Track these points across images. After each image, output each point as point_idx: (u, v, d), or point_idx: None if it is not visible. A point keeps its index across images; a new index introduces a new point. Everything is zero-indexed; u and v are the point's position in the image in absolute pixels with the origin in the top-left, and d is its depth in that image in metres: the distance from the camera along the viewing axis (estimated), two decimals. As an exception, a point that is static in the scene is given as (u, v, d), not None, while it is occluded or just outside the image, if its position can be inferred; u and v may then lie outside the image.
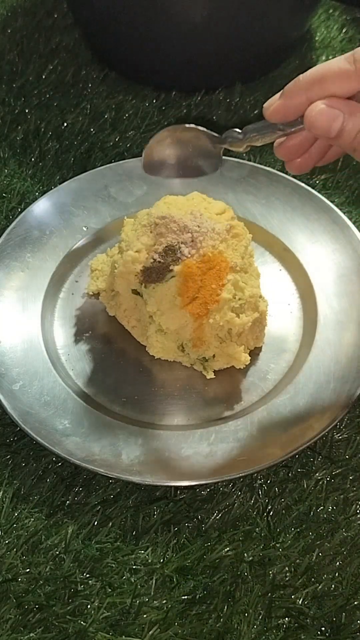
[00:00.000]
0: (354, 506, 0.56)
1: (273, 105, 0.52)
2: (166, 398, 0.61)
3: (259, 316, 0.62)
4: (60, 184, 0.73)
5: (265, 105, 0.53)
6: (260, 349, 0.64)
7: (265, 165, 0.74)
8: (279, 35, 0.83)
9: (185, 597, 0.52)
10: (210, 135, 0.55)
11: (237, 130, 0.54)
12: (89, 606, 0.52)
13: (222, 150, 0.56)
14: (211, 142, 0.56)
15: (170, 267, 0.60)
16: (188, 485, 0.56)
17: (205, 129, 0.56)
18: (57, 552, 0.54)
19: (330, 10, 0.92)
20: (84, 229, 0.70)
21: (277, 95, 0.53)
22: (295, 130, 0.53)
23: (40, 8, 0.92)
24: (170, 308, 0.60)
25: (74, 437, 0.57)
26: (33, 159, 0.78)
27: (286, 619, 0.51)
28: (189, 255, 0.60)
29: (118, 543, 0.55)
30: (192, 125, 0.56)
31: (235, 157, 0.75)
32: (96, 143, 0.79)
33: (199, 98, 0.82)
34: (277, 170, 0.73)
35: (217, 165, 0.57)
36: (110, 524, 0.55)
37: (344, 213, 0.70)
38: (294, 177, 0.73)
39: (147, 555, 0.54)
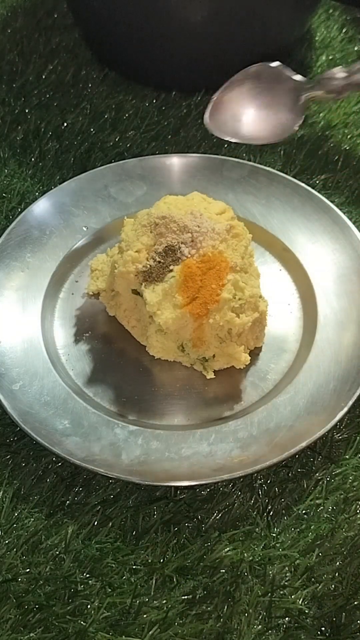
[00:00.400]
0: (354, 506, 0.56)
1: None
2: (166, 398, 0.61)
3: (259, 316, 0.62)
4: (60, 184, 0.73)
5: None
6: (260, 349, 0.64)
7: (265, 165, 0.74)
8: (279, 35, 0.83)
9: (185, 597, 0.52)
10: (295, 82, 0.48)
11: (338, 69, 0.48)
12: (89, 606, 0.52)
13: (306, 103, 0.49)
14: (294, 92, 0.49)
15: (170, 267, 0.60)
16: (188, 485, 0.56)
17: (289, 72, 0.48)
18: (57, 552, 0.54)
19: (330, 10, 0.92)
20: (84, 229, 0.70)
21: None
22: None
23: (40, 8, 0.92)
24: (170, 308, 0.60)
25: (74, 437, 0.58)
26: (33, 159, 0.78)
27: (286, 619, 0.51)
28: (189, 255, 0.60)
29: (118, 543, 0.55)
30: (276, 66, 0.48)
31: (235, 157, 0.75)
32: (96, 143, 0.79)
33: (199, 98, 0.82)
34: (277, 170, 0.73)
35: (295, 123, 0.50)
36: (110, 524, 0.55)
37: (344, 213, 0.70)
38: (294, 177, 0.73)
39: (147, 555, 0.54)
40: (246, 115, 0.50)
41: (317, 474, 0.58)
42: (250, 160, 0.75)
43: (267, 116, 0.49)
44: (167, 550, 0.54)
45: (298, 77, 0.48)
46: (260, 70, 0.50)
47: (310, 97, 0.49)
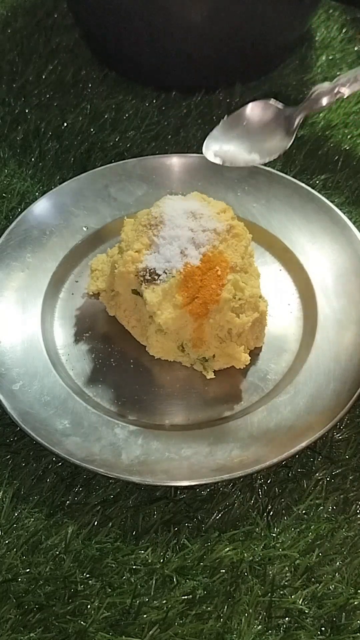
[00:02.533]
0: (354, 506, 0.56)
1: None
2: (166, 398, 0.61)
3: (259, 316, 0.62)
4: (60, 184, 0.73)
5: None
6: (260, 349, 0.64)
7: (265, 166, 0.74)
8: (279, 35, 0.83)
9: (185, 597, 0.52)
10: (287, 111, 0.52)
11: (324, 84, 0.51)
12: (89, 606, 0.52)
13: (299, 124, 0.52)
14: (287, 120, 0.53)
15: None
16: (188, 485, 0.56)
17: (280, 105, 0.52)
18: (57, 552, 0.54)
19: (330, 10, 0.92)
20: (84, 229, 0.70)
21: None
22: None
23: (40, 8, 0.92)
24: (170, 308, 0.60)
25: (74, 437, 0.58)
26: (33, 159, 0.78)
27: (286, 619, 0.51)
28: (189, 256, 0.60)
29: (118, 543, 0.55)
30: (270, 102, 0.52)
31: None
32: (96, 143, 0.79)
33: (199, 98, 0.82)
34: (277, 170, 0.73)
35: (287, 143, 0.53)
36: (110, 524, 0.55)
37: (344, 213, 0.70)
38: (294, 177, 0.73)
39: (147, 555, 0.54)
40: (242, 147, 0.53)
41: (317, 474, 0.58)
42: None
43: (262, 147, 0.53)
44: (167, 550, 0.54)
45: (290, 109, 0.52)
46: (254, 106, 0.53)
47: (301, 120, 0.52)
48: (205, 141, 0.54)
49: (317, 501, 0.56)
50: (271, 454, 0.56)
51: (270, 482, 0.57)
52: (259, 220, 0.70)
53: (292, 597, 0.52)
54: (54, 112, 0.81)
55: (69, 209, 0.71)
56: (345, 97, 0.52)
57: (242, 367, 0.61)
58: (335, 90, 0.52)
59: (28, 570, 0.53)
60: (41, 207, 0.71)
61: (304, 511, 0.56)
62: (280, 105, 0.54)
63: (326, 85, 0.52)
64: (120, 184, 0.73)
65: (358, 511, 0.56)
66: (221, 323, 0.59)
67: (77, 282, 0.68)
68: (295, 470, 0.58)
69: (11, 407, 0.59)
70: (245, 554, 0.54)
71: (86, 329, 0.65)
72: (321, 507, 0.56)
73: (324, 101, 0.53)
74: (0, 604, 0.52)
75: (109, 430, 0.58)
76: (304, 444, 0.56)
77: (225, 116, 0.54)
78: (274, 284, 0.67)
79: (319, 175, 0.76)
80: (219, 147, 0.54)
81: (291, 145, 0.75)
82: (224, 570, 0.53)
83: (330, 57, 0.87)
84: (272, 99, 0.54)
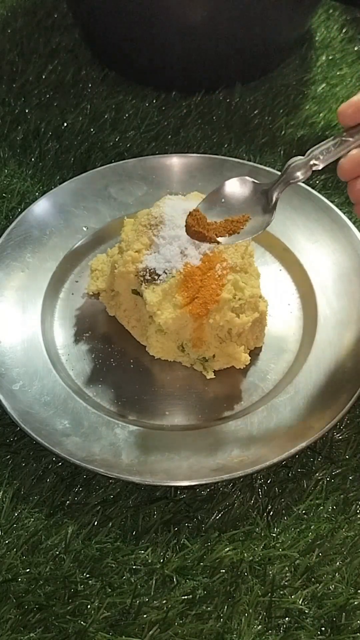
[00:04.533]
0: (354, 506, 0.56)
1: (353, 105, 0.51)
2: (166, 398, 0.61)
3: (259, 316, 0.62)
4: (60, 184, 0.73)
5: (342, 108, 0.52)
6: (260, 349, 0.64)
7: (265, 165, 0.74)
8: (279, 35, 0.83)
9: (185, 597, 0.52)
10: (264, 186, 0.55)
11: (298, 158, 0.54)
12: (89, 606, 0.52)
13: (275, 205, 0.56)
14: (265, 195, 0.55)
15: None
16: (188, 485, 0.56)
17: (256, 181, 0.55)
18: (57, 552, 0.54)
19: (330, 10, 0.92)
20: (84, 229, 0.70)
21: (355, 97, 0.52)
22: None
23: (40, 8, 0.92)
24: (170, 308, 0.60)
25: (74, 437, 0.58)
26: (33, 159, 0.78)
27: (286, 619, 0.51)
28: (190, 256, 0.60)
29: (118, 543, 0.55)
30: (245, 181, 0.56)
31: (235, 157, 0.75)
32: (96, 143, 0.79)
33: (199, 98, 0.82)
34: (277, 170, 0.73)
35: (267, 223, 0.57)
36: (110, 524, 0.55)
37: (344, 213, 0.70)
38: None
39: (147, 555, 0.54)
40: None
41: (317, 474, 0.58)
42: (250, 160, 0.75)
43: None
44: (167, 550, 0.54)
45: (266, 184, 0.54)
46: (231, 184, 0.55)
47: (280, 195, 0.54)
48: (185, 221, 0.57)
49: (317, 501, 0.56)
50: (271, 454, 0.56)
51: (270, 482, 0.57)
52: (259, 220, 0.70)
53: (292, 597, 0.52)
54: (54, 112, 0.81)
55: (69, 209, 0.71)
56: (320, 169, 0.54)
57: (242, 367, 0.61)
58: (311, 163, 0.54)
59: (28, 570, 0.53)
60: (41, 207, 0.71)
61: (304, 511, 0.56)
62: (256, 181, 0.56)
63: (300, 159, 0.54)
64: (120, 184, 0.73)
65: (358, 511, 0.56)
66: (221, 323, 0.59)
67: (77, 282, 0.68)
68: (295, 470, 0.58)
69: (11, 407, 0.59)
70: (245, 554, 0.54)
71: (86, 329, 0.65)
72: (321, 507, 0.56)
73: (300, 175, 0.55)
74: (0, 604, 0.52)
75: (109, 430, 0.58)
76: (304, 444, 0.56)
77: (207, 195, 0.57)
78: (274, 284, 0.67)
79: (319, 175, 0.76)
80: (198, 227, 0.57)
81: (291, 145, 0.76)
82: (224, 570, 0.53)
83: (330, 57, 0.87)
84: (246, 176, 0.57)
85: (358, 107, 0.52)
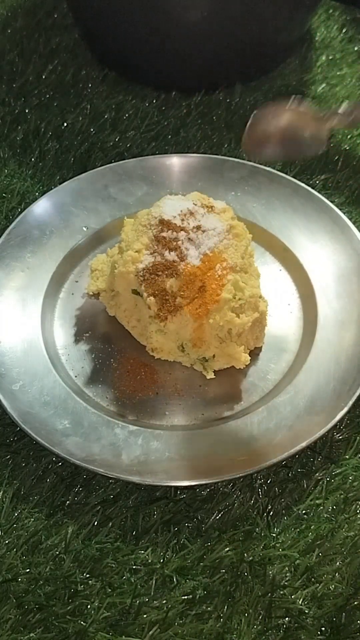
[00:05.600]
0: (354, 506, 0.56)
1: None
2: (166, 398, 0.61)
3: (259, 316, 0.62)
4: (60, 184, 0.73)
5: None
6: (260, 349, 0.64)
7: (265, 166, 0.74)
8: (279, 35, 0.83)
9: (185, 597, 0.52)
10: (315, 116, 0.55)
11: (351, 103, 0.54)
12: (89, 606, 0.52)
13: (329, 132, 0.56)
14: (316, 124, 0.55)
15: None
16: (188, 485, 0.56)
17: (308, 111, 0.55)
18: (57, 552, 0.54)
19: (330, 10, 0.92)
20: (84, 229, 0.70)
21: None
22: None
23: (40, 8, 0.92)
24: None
25: (74, 437, 0.57)
26: (33, 159, 0.78)
27: (286, 619, 0.51)
28: (190, 256, 0.60)
29: (118, 543, 0.55)
30: (295, 107, 0.56)
31: (235, 157, 0.75)
32: (96, 143, 0.79)
33: (199, 98, 0.82)
34: (277, 170, 0.73)
35: (321, 148, 0.57)
36: (110, 524, 0.55)
37: (344, 213, 0.70)
38: (294, 177, 0.73)
39: (147, 555, 0.54)
40: (279, 143, 0.56)
41: (317, 474, 0.58)
42: (250, 160, 0.75)
43: (297, 143, 0.56)
44: (167, 550, 0.54)
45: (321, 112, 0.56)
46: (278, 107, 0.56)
47: (331, 129, 0.55)
48: (245, 132, 0.57)
49: (317, 501, 0.56)
50: (271, 454, 0.56)
51: (270, 482, 0.57)
52: (259, 220, 0.70)
53: (292, 597, 0.52)
54: (54, 112, 0.81)
55: (69, 209, 0.71)
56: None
57: (242, 367, 0.61)
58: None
59: (28, 570, 0.53)
60: (41, 207, 0.71)
61: (304, 511, 0.56)
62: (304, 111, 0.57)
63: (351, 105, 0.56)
64: (120, 184, 0.73)
65: (358, 511, 0.56)
66: (221, 323, 0.59)
67: (77, 282, 0.68)
68: (295, 470, 0.58)
69: (11, 407, 0.59)
70: (245, 554, 0.54)
71: (86, 329, 0.65)
72: (321, 507, 0.56)
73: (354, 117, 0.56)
74: (0, 604, 0.52)
75: (109, 430, 0.58)
76: (304, 444, 0.56)
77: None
78: (274, 284, 0.67)
79: (319, 175, 0.76)
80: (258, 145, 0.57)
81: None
82: (224, 570, 0.53)
83: (330, 57, 0.87)
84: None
85: None
